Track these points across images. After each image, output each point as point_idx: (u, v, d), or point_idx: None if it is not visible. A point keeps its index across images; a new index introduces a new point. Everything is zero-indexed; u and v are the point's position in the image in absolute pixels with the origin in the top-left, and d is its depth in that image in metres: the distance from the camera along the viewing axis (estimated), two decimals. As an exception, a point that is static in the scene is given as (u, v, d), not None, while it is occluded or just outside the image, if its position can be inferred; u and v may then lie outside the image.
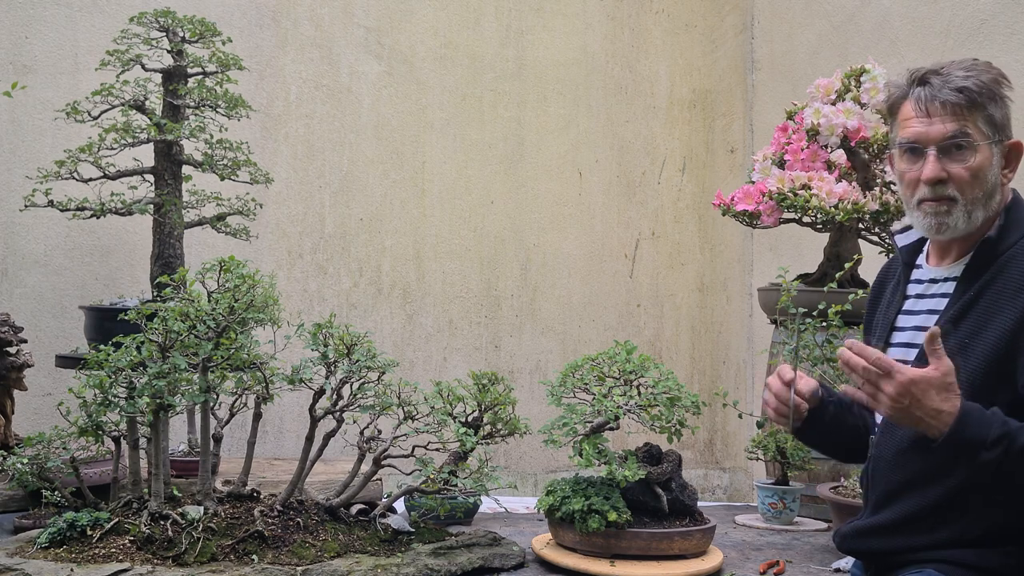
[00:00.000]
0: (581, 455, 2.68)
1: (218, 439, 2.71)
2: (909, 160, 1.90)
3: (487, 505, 3.43)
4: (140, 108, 3.39)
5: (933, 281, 1.96)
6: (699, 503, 2.86)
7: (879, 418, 1.97)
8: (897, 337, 1.98)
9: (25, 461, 2.55)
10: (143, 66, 3.42)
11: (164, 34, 3.46)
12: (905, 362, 1.93)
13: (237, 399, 2.68)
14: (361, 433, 2.69)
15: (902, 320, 1.98)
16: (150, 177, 3.46)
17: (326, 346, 2.67)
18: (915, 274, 2.01)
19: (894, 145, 1.95)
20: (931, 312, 1.93)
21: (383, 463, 2.69)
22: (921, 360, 1.87)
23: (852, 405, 2.14)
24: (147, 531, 2.39)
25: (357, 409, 2.66)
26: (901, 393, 1.69)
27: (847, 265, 3.36)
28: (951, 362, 1.71)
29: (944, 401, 1.69)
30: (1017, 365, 1.73)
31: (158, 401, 2.47)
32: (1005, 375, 1.75)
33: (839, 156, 3.54)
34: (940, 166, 1.86)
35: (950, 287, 1.91)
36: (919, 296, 1.97)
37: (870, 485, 1.99)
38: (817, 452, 2.47)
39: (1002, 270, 1.79)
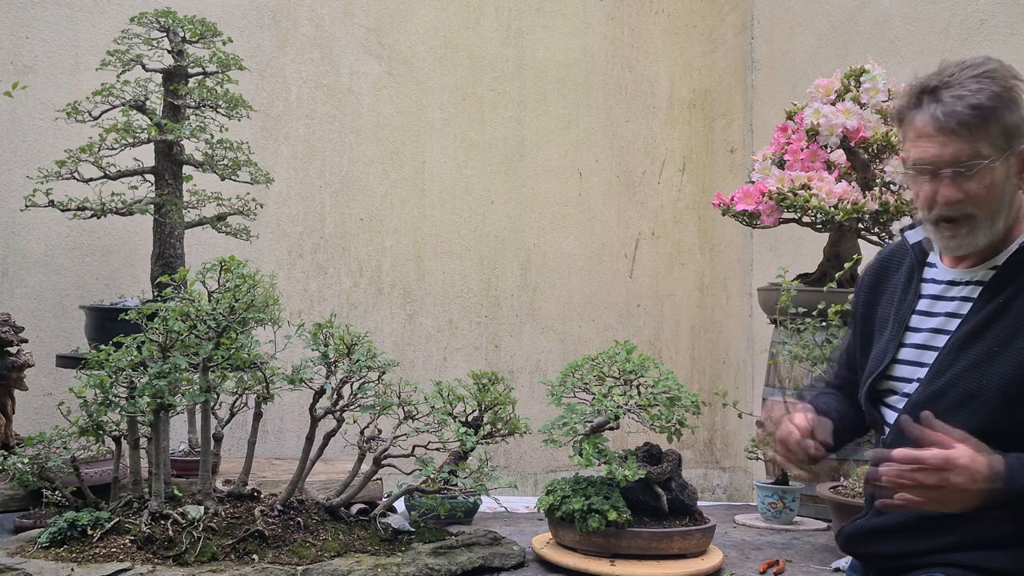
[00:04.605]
0: (581, 455, 2.68)
1: (218, 439, 2.71)
2: (923, 179, 1.83)
3: (487, 505, 3.44)
4: (141, 108, 3.39)
5: (952, 283, 1.90)
6: (699, 503, 2.86)
7: (891, 418, 1.95)
8: (911, 338, 1.93)
9: (26, 461, 2.56)
10: (143, 66, 3.42)
11: (164, 34, 3.46)
12: (920, 364, 1.90)
13: (237, 399, 2.69)
14: (361, 433, 2.70)
15: (916, 320, 1.93)
16: (150, 177, 3.46)
17: (326, 346, 2.67)
18: (929, 273, 1.96)
19: (908, 165, 1.86)
20: (952, 316, 1.88)
21: (383, 463, 2.69)
22: (939, 368, 1.84)
23: (844, 404, 2.13)
24: (147, 531, 2.39)
25: (357, 409, 2.67)
26: (944, 473, 1.62)
27: (847, 265, 3.36)
28: (958, 430, 1.67)
29: (988, 465, 1.64)
30: None
31: (158, 401, 2.48)
32: None
33: (839, 156, 3.54)
34: (957, 187, 1.79)
35: (972, 291, 1.86)
36: (936, 297, 1.92)
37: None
38: None
39: None
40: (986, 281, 1.84)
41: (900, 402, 1.92)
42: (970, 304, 1.85)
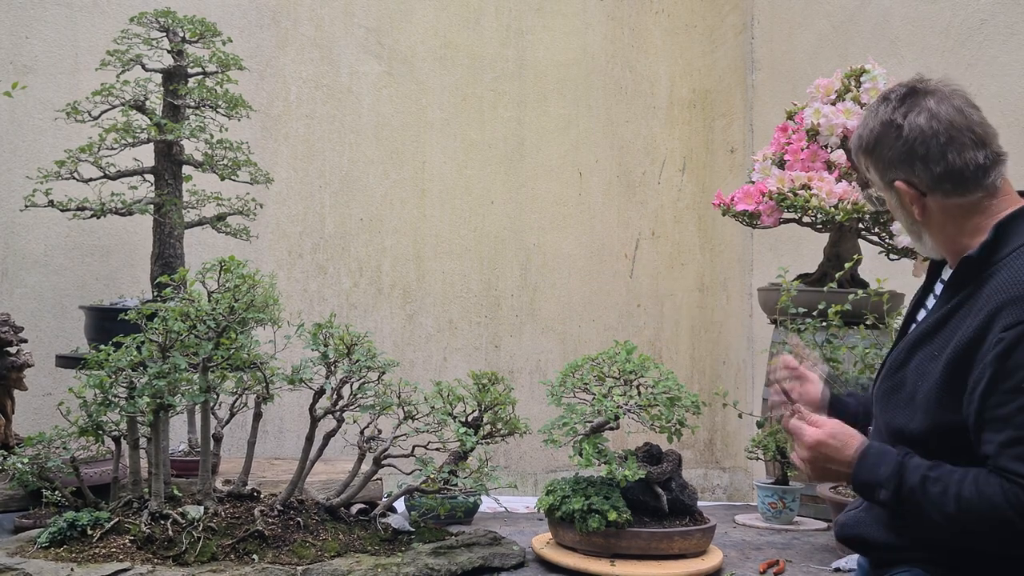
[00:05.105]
0: (581, 455, 2.68)
1: (218, 439, 2.71)
2: None
3: (487, 505, 3.43)
4: (140, 108, 3.39)
5: (943, 283, 1.95)
6: (699, 503, 2.86)
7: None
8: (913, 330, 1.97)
9: (25, 461, 2.55)
10: (143, 66, 3.42)
11: (164, 34, 3.46)
12: None
13: (237, 399, 2.69)
14: (361, 433, 2.69)
15: (921, 314, 1.98)
16: (150, 177, 3.46)
17: (326, 346, 2.67)
18: (944, 271, 2.01)
19: None
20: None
21: (383, 463, 2.69)
22: (894, 363, 1.88)
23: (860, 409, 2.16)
24: (147, 531, 2.39)
25: (357, 409, 2.67)
26: (812, 452, 1.83)
27: (847, 265, 3.36)
28: (830, 419, 1.85)
29: (847, 448, 1.80)
30: (967, 384, 1.71)
31: (158, 401, 2.48)
32: (960, 395, 1.73)
33: (839, 156, 3.54)
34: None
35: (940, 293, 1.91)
36: (935, 296, 1.97)
37: None
38: None
39: (981, 286, 1.78)
40: (944, 285, 1.88)
41: None
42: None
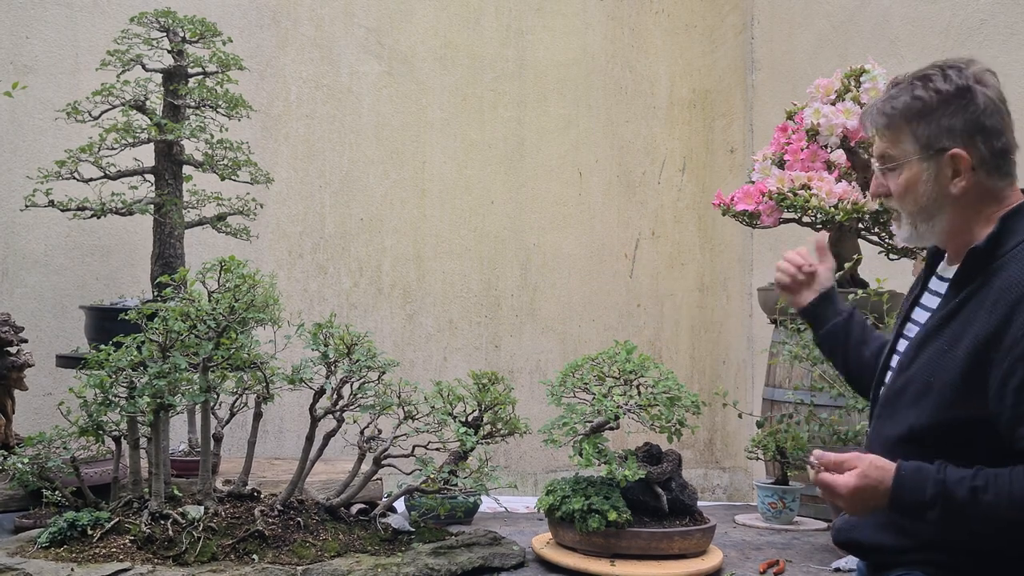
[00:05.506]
0: (581, 455, 2.68)
1: (218, 439, 2.71)
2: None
3: (487, 505, 3.44)
4: (141, 108, 3.39)
5: (942, 280, 1.94)
6: (699, 503, 2.86)
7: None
8: (911, 330, 1.96)
9: (26, 461, 2.56)
10: (143, 66, 3.42)
11: (164, 34, 3.46)
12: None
13: (237, 399, 2.69)
14: (361, 433, 2.69)
15: (917, 313, 1.97)
16: (150, 177, 3.47)
17: (326, 346, 2.67)
18: (939, 268, 1.99)
19: None
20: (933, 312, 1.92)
21: (383, 463, 2.69)
22: (902, 363, 1.87)
23: (869, 345, 2.18)
24: (147, 531, 2.39)
25: (357, 409, 2.67)
26: (851, 500, 1.75)
27: (847, 265, 3.36)
28: (850, 454, 1.77)
29: (882, 483, 1.73)
30: (989, 380, 1.70)
31: (158, 401, 2.48)
32: (979, 389, 1.72)
33: (839, 156, 3.54)
34: (880, 181, 1.92)
35: (945, 288, 1.90)
36: (933, 293, 1.96)
37: None
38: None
39: (990, 278, 1.77)
40: (951, 280, 1.86)
41: None
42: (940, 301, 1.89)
